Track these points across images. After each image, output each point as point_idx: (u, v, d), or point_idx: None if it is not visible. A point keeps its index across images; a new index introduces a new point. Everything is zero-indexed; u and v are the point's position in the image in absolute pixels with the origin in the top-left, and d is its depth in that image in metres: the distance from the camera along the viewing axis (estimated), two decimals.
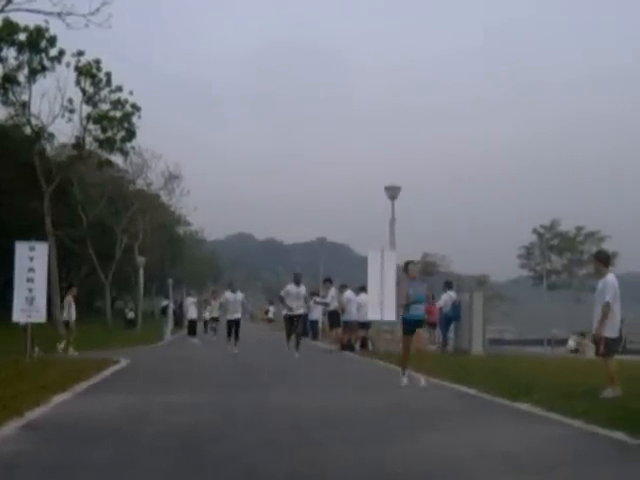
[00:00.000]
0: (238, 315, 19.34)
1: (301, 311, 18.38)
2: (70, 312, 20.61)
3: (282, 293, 18.58)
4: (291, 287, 18.13)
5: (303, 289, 18.71)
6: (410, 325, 10.81)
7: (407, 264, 11.31)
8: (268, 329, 41.48)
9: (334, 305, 22.39)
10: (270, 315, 48.77)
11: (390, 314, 19.20)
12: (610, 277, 9.53)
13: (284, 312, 19.88)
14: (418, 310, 10.85)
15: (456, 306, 20.60)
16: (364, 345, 21.06)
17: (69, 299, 20.90)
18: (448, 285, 22.19)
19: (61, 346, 19.80)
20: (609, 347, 9.42)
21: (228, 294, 19.50)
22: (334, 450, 5.72)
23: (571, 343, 28.17)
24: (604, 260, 10.01)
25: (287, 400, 9.09)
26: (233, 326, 18.93)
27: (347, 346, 20.57)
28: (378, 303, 18.75)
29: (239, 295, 19.56)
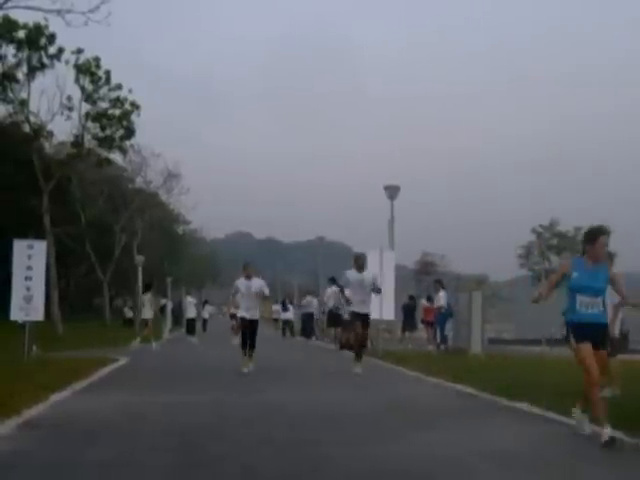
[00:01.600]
0: (255, 314, 13.22)
1: (367, 309, 13.25)
2: (148, 310, 22.65)
3: (342, 282, 13.54)
4: (351, 273, 13.04)
5: (370, 276, 13.28)
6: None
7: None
8: (273, 329, 41.03)
9: (332, 304, 22.42)
10: (276, 315, 44.12)
11: (389, 313, 19.21)
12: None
13: (348, 309, 14.18)
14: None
15: (449, 303, 20.83)
16: (364, 344, 21.01)
17: (148, 297, 22.82)
18: (440, 283, 22.23)
19: (136, 342, 21.99)
20: (614, 347, 9.44)
21: (240, 282, 13.12)
22: (332, 449, 5.70)
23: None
24: (611, 259, 9.98)
25: (286, 398, 9.08)
26: (248, 330, 13.09)
27: (346, 345, 20.55)
28: (377, 302, 18.71)
29: (257, 282, 13.20)
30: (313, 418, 7.43)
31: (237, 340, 20.35)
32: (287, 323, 36.03)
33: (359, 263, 13.05)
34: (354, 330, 13.28)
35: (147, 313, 22.74)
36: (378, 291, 13.57)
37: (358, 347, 13.21)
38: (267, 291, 13.49)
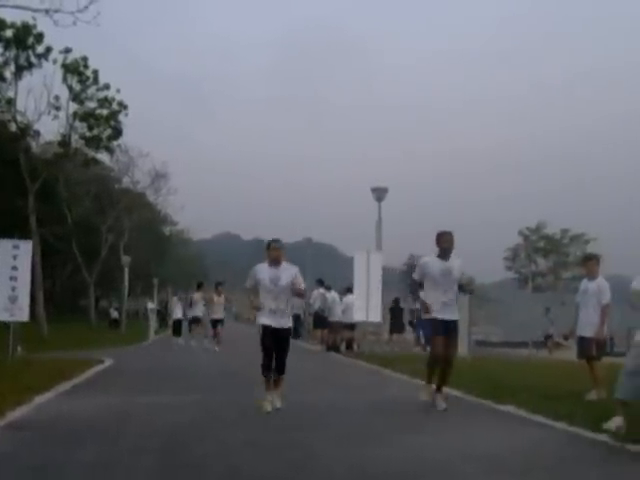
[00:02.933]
0: (285, 320, 8.32)
1: (454, 314, 8.51)
2: (200, 309, 23.57)
3: (416, 275, 8.73)
4: (432, 261, 8.51)
5: (458, 265, 8.56)
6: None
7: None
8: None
9: (317, 305, 22.43)
10: None
11: (376, 315, 19.21)
12: (603, 279, 9.58)
13: (426, 316, 8.68)
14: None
15: None
16: (350, 346, 21.05)
17: (200, 297, 23.73)
18: (420, 285, 22.27)
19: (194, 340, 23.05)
20: (600, 349, 9.51)
21: (262, 270, 8.27)
22: (316, 450, 5.69)
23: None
24: (599, 262, 10.03)
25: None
26: (273, 344, 8.21)
27: (332, 347, 20.58)
28: (364, 304, 18.73)
29: (289, 271, 8.34)
30: (298, 420, 7.42)
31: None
32: None
33: (445, 245, 8.36)
34: (433, 350, 8.50)
35: (198, 311, 23.86)
36: (470, 291, 9.33)
37: (443, 377, 8.52)
38: (303, 284, 8.49)
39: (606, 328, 9.68)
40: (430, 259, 8.54)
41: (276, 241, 8.29)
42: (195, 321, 24.19)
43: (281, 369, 8.30)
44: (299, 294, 8.54)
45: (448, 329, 8.33)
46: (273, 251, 8.23)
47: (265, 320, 8.12)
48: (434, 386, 8.56)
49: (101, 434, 6.43)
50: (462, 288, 8.63)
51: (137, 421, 7.20)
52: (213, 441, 6.10)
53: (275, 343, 8.11)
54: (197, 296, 24.07)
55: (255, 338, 8.93)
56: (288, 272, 8.20)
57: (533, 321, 25.42)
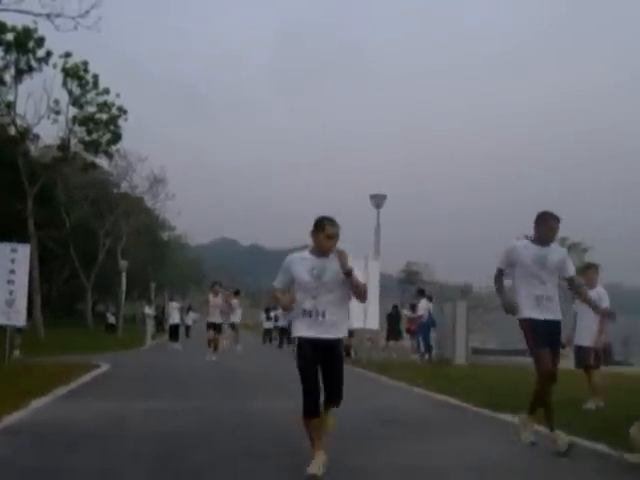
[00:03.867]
0: (336, 329, 5.46)
1: (556, 314, 6.60)
2: (236, 314, 24.62)
3: (502, 263, 6.80)
4: (525, 245, 6.69)
5: (559, 255, 6.70)
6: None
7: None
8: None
9: None
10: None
11: (374, 322, 19.20)
12: (602, 288, 9.57)
13: (521, 316, 6.57)
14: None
15: (430, 312, 20.89)
16: (347, 353, 21.04)
17: (236, 302, 24.60)
18: (422, 293, 22.27)
19: (226, 343, 23.24)
20: (598, 358, 9.50)
21: (301, 260, 5.53)
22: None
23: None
24: (597, 271, 10.02)
25: (269, 406, 9.04)
26: (315, 365, 5.40)
27: None
28: (361, 311, 18.71)
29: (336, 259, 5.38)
30: (296, 427, 7.40)
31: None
32: (268, 332, 35.90)
33: (548, 233, 6.54)
34: (540, 366, 6.31)
35: (236, 317, 24.95)
36: (578, 286, 6.95)
37: (548, 407, 6.42)
38: (362, 279, 5.60)
39: (604, 337, 9.68)
40: (521, 243, 6.72)
41: (332, 222, 5.39)
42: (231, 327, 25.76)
43: (335, 400, 5.50)
44: (359, 293, 5.49)
45: (553, 336, 6.39)
46: (326, 239, 5.34)
47: (302, 330, 5.39)
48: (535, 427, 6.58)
49: (97, 439, 6.41)
50: (571, 283, 6.73)
51: (133, 427, 7.18)
52: (210, 448, 6.08)
53: (321, 361, 5.37)
54: (234, 302, 25.15)
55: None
56: (336, 264, 5.32)
57: None
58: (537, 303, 6.40)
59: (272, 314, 34.79)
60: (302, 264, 5.47)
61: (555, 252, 6.57)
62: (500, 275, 6.89)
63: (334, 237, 5.37)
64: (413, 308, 23.54)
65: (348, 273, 5.27)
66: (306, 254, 5.53)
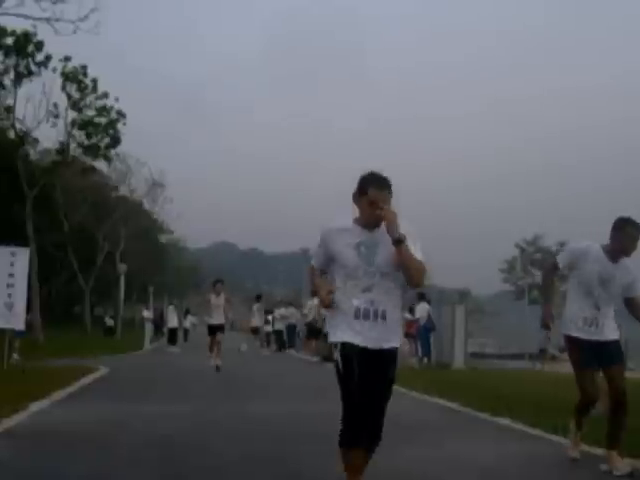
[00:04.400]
0: (389, 337, 3.95)
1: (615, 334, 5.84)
2: (260, 318, 26.55)
3: (562, 261, 5.86)
4: (591, 249, 5.74)
5: (632, 274, 5.70)
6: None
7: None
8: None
9: (312, 316, 22.52)
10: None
11: None
12: None
13: (570, 334, 5.80)
14: None
15: (430, 316, 20.87)
16: None
17: (259, 306, 26.87)
18: (422, 296, 22.28)
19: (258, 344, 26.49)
20: None
21: (342, 233, 3.98)
22: (313, 462, 5.68)
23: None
24: None
25: (268, 411, 9.04)
26: (368, 385, 3.96)
27: (328, 358, 20.57)
28: None
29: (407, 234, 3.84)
30: (295, 431, 7.40)
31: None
32: (266, 335, 35.83)
33: (627, 245, 5.60)
34: (583, 392, 5.71)
35: (258, 321, 26.99)
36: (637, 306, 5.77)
37: (615, 430, 5.64)
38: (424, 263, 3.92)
39: None
40: (593, 248, 5.67)
41: (380, 182, 3.90)
42: (254, 331, 28.20)
43: (375, 435, 4.20)
44: (413, 272, 3.85)
45: (604, 354, 5.60)
46: (369, 207, 3.88)
47: (348, 334, 3.92)
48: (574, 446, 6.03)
49: (96, 443, 6.41)
50: (633, 305, 5.75)
51: (132, 430, 7.17)
52: (209, 453, 6.08)
53: (370, 381, 3.95)
54: (254, 307, 27.64)
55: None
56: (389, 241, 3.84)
57: (529, 333, 25.45)
58: (584, 323, 5.65)
59: (269, 317, 34.70)
60: (342, 238, 3.92)
61: (625, 272, 5.63)
62: (553, 271, 5.94)
63: (384, 202, 3.79)
64: (411, 311, 23.55)
65: (399, 241, 3.73)
66: (348, 222, 3.96)
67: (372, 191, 3.83)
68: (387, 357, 3.93)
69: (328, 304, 3.93)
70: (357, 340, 3.86)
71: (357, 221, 3.94)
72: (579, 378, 5.69)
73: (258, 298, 29.47)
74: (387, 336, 3.90)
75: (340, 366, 3.94)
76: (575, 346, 5.71)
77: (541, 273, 4.81)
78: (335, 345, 3.95)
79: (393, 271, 3.86)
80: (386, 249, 3.82)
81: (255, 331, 28.75)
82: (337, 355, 3.95)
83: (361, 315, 3.84)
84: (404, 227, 3.80)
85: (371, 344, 3.86)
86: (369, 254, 3.84)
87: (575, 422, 5.93)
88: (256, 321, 28.16)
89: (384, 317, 3.85)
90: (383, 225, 3.82)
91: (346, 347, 3.88)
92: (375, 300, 3.84)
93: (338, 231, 3.96)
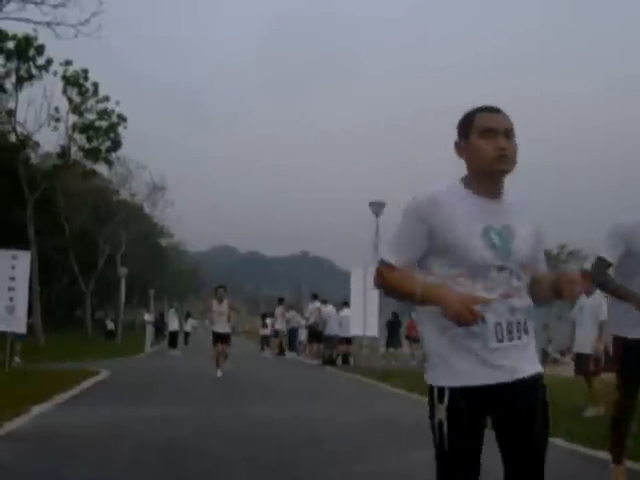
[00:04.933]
0: (528, 360, 2.53)
1: None
2: (282, 322, 25.92)
3: (608, 249, 4.48)
4: None
5: None
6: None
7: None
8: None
9: (313, 319, 22.50)
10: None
11: (372, 330, 19.20)
12: (600, 295, 9.56)
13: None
14: None
15: None
16: (346, 360, 21.04)
17: (281, 310, 26.38)
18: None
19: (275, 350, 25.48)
20: (596, 366, 9.51)
21: (440, 199, 2.44)
22: (314, 467, 5.69)
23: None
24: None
25: (269, 414, 9.04)
26: (481, 442, 2.64)
27: (329, 361, 20.58)
28: (361, 318, 18.72)
29: (527, 217, 2.62)
30: (296, 435, 7.41)
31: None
32: (265, 339, 35.77)
33: None
34: (620, 401, 4.51)
35: (281, 324, 26.56)
36: None
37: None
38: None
39: (603, 344, 9.69)
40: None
41: (494, 107, 2.52)
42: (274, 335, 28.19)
43: None
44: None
45: None
46: (485, 135, 2.45)
47: (463, 371, 2.45)
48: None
49: (97, 446, 6.42)
50: None
51: (133, 434, 7.18)
52: (210, 456, 6.09)
53: (502, 427, 2.75)
54: (277, 311, 27.22)
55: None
56: (525, 219, 2.58)
57: None
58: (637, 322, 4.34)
59: (268, 320, 34.59)
60: (456, 215, 2.43)
61: None
62: (606, 268, 4.50)
63: (507, 134, 2.47)
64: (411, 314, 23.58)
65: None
66: (458, 186, 2.52)
67: (481, 116, 2.48)
68: (527, 389, 2.54)
69: (476, 317, 2.28)
70: (492, 378, 2.42)
71: (466, 182, 2.51)
72: (619, 385, 4.60)
73: (280, 301, 29.09)
74: (529, 361, 2.54)
75: (443, 416, 2.58)
76: (620, 349, 4.60)
77: (597, 283, 3.76)
78: (437, 389, 2.54)
79: (528, 262, 2.54)
80: (523, 228, 2.53)
81: (275, 334, 28.63)
82: (440, 403, 2.56)
83: (504, 333, 2.41)
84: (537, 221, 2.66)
85: (498, 379, 2.43)
86: (503, 242, 2.44)
87: (613, 444, 4.64)
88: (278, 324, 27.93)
89: (526, 332, 2.48)
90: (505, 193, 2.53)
91: (456, 394, 2.47)
92: (515, 310, 2.44)
93: (449, 199, 2.45)
